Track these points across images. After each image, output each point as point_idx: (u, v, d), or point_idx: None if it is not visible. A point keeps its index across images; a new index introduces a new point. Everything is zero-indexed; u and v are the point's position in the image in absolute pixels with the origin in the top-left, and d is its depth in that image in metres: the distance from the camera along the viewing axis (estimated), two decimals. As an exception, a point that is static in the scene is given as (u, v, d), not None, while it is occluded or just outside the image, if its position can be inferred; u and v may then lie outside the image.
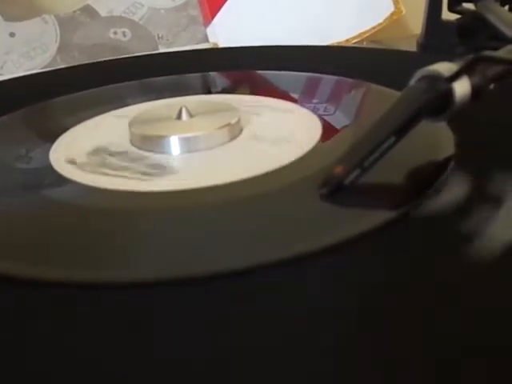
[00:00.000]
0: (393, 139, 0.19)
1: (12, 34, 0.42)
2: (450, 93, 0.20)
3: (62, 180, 0.22)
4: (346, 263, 0.16)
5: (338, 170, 0.19)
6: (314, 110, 0.27)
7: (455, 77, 0.20)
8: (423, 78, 0.20)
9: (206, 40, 0.45)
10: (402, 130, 0.19)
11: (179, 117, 0.25)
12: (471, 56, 0.20)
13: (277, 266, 0.16)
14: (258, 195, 0.20)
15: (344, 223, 0.18)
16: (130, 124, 0.25)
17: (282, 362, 0.13)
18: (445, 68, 0.20)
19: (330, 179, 0.19)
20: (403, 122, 0.19)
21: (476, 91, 0.20)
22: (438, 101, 0.20)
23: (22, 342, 0.14)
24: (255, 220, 0.19)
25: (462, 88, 0.20)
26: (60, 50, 0.42)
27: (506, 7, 0.36)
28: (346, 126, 0.26)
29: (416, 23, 0.42)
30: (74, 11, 0.43)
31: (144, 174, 0.22)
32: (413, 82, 0.21)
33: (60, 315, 0.15)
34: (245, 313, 0.15)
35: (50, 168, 0.23)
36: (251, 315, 0.15)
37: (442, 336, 0.13)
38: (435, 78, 0.20)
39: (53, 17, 0.43)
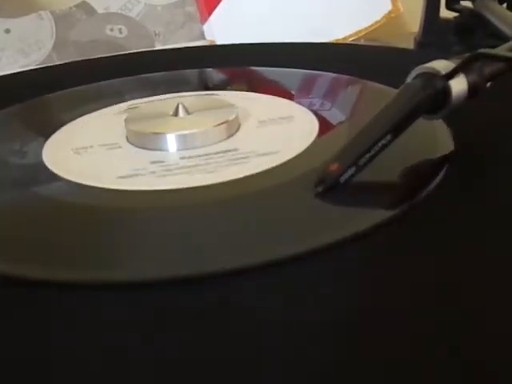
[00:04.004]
0: (389, 137, 0.19)
1: (7, 31, 0.42)
2: (446, 90, 0.20)
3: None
4: (339, 262, 0.16)
5: (333, 167, 0.19)
6: (310, 107, 0.27)
7: (452, 74, 0.20)
8: (420, 75, 0.20)
9: (203, 37, 0.45)
10: (398, 127, 0.19)
11: (176, 114, 0.25)
12: (468, 54, 0.20)
13: (270, 265, 0.16)
14: (253, 194, 0.20)
15: (339, 222, 0.18)
16: (127, 121, 0.25)
17: (282, 361, 0.13)
18: (442, 66, 0.20)
19: (325, 177, 0.19)
20: (399, 119, 0.19)
21: (473, 89, 0.20)
22: (434, 98, 0.20)
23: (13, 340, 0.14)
24: (249, 219, 0.19)
25: (458, 86, 0.20)
26: (56, 46, 0.42)
27: (504, 5, 0.36)
28: (342, 124, 0.25)
29: (414, 21, 0.42)
30: (70, 7, 0.43)
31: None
32: (410, 79, 0.20)
33: (57, 315, 0.15)
34: (241, 313, 0.15)
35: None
36: (247, 315, 0.14)
37: (442, 335, 0.13)
38: (432, 76, 0.20)
39: (49, 13, 0.43)
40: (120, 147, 0.24)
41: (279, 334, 0.14)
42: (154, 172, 0.22)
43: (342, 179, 0.19)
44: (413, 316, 0.14)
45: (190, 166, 0.22)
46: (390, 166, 0.20)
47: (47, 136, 0.26)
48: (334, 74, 0.31)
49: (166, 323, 0.14)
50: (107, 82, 0.33)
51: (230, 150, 0.23)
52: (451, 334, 0.13)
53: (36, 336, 0.14)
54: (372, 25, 0.47)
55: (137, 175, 0.21)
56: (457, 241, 0.17)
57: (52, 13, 0.43)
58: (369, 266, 0.16)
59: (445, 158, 0.20)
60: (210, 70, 0.35)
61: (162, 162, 0.23)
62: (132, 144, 0.24)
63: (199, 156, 0.23)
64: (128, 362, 0.13)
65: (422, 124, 0.20)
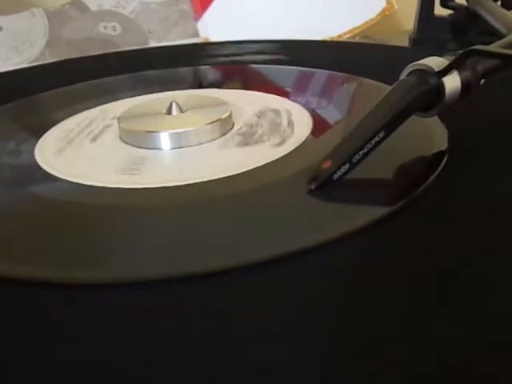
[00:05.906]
0: (382, 134, 0.19)
1: (-1, 28, 0.42)
2: (440, 87, 0.20)
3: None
4: (332, 260, 0.16)
5: (326, 165, 0.19)
6: (306, 104, 0.27)
7: (445, 71, 0.20)
8: (413, 72, 0.20)
9: (197, 34, 0.45)
10: (391, 124, 0.19)
11: (169, 112, 0.25)
12: (462, 50, 0.20)
13: (263, 264, 0.16)
14: (245, 192, 0.20)
15: (331, 219, 0.18)
16: (120, 119, 0.25)
17: (281, 360, 0.13)
18: (435, 63, 0.20)
19: (318, 174, 0.19)
20: (392, 116, 0.19)
21: (466, 86, 0.20)
22: (427, 95, 0.20)
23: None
24: (243, 217, 0.19)
25: (451, 83, 0.20)
26: (49, 44, 0.42)
27: (499, 2, 0.36)
28: (337, 121, 0.25)
29: (408, 19, 0.42)
30: (63, 5, 0.43)
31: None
32: (403, 76, 0.20)
33: (49, 315, 0.15)
34: (237, 312, 0.14)
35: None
36: (243, 314, 0.14)
37: (442, 333, 0.13)
38: (425, 73, 0.20)
39: (41, 10, 0.42)
40: (113, 145, 0.24)
41: (279, 333, 0.14)
42: (144, 170, 0.22)
43: (335, 176, 0.19)
44: (412, 313, 0.14)
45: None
46: (384, 163, 0.20)
47: (40, 135, 0.25)
48: (329, 72, 0.31)
49: (163, 323, 0.14)
50: (101, 80, 0.32)
51: (223, 148, 0.23)
52: (451, 331, 0.13)
53: (35, 336, 0.14)
54: (366, 22, 0.47)
55: (127, 173, 0.21)
56: (454, 239, 0.17)
57: (45, 10, 0.42)
58: (363, 264, 0.16)
59: (440, 155, 0.20)
60: (205, 67, 0.35)
61: (152, 160, 0.22)
62: (124, 142, 0.24)
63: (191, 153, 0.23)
64: (127, 363, 0.13)
65: (416, 121, 0.20)
